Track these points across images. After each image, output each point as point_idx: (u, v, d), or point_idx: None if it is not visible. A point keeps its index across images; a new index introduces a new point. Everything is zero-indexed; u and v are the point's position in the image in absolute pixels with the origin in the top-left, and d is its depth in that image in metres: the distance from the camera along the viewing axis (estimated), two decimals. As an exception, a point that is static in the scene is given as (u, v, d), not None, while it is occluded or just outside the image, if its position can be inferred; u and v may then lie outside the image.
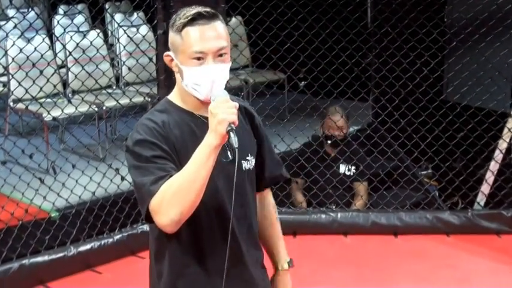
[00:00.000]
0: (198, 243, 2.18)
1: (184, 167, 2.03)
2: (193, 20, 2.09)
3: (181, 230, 2.09)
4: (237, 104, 2.05)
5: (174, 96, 2.23)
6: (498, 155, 5.18)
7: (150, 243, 2.29)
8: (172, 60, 2.16)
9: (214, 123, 1.99)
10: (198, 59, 2.09)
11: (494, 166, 5.17)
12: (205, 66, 2.09)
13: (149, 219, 2.09)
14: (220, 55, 2.11)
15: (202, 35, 2.09)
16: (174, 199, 2.00)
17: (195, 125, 2.17)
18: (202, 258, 2.18)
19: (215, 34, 2.10)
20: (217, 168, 2.05)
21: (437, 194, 5.60)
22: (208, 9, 2.12)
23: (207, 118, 2.05)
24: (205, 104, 2.13)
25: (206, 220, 2.15)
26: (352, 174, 5.32)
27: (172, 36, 2.14)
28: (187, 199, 2.01)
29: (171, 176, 2.04)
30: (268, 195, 2.46)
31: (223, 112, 1.99)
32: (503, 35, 5.06)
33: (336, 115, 5.23)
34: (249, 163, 2.25)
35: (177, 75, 2.18)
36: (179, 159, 2.10)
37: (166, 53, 2.18)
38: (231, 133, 1.99)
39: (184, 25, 2.10)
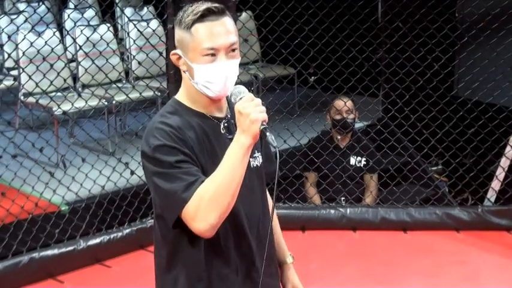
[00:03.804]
0: (216, 247, 2.13)
1: (217, 170, 1.99)
2: (202, 17, 2.05)
3: (193, 233, 2.05)
4: (260, 101, 2.01)
5: (182, 97, 2.17)
6: (509, 151, 5.16)
7: (156, 251, 2.23)
8: (179, 58, 2.12)
9: (247, 123, 1.95)
10: (211, 55, 2.06)
11: (504, 162, 5.15)
12: (218, 63, 2.06)
13: (176, 225, 2.05)
14: (233, 50, 2.08)
15: (213, 31, 2.05)
16: (212, 204, 1.98)
17: (207, 126, 2.12)
18: (219, 261, 2.15)
19: (225, 30, 2.06)
20: None
21: (447, 190, 5.58)
22: (216, 5, 2.08)
23: (217, 118, 2.03)
24: (215, 102, 2.11)
25: (222, 222, 2.09)
26: (362, 166, 5.31)
27: (180, 33, 2.09)
28: (225, 202, 1.98)
29: (202, 180, 2.00)
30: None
31: (255, 111, 1.95)
32: (515, 31, 5.04)
33: (341, 100, 5.24)
34: (257, 160, 2.22)
35: (185, 75, 2.13)
36: (198, 162, 2.07)
37: (173, 51, 2.14)
38: (266, 132, 1.96)
39: (194, 22, 2.06)
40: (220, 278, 2.15)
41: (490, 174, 5.21)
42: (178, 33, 2.10)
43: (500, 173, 5.18)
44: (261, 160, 2.24)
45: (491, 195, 5.15)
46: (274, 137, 1.99)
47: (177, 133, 2.06)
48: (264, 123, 1.96)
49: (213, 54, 2.06)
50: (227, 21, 2.08)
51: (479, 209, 5.02)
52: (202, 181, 2.01)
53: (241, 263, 2.15)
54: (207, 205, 1.98)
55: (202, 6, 2.07)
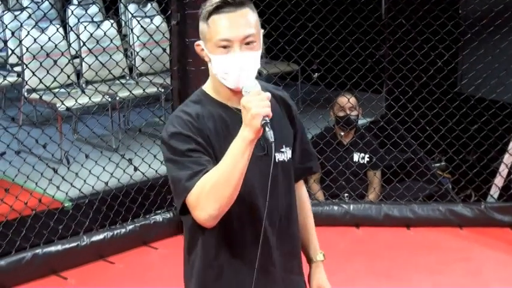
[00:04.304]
0: (229, 236, 2.16)
1: (220, 162, 2.02)
2: (219, 8, 2.07)
3: None
4: (269, 95, 2.01)
5: (207, 87, 2.21)
6: (512, 148, 5.15)
7: (184, 234, 2.28)
8: (202, 49, 2.15)
9: (248, 117, 1.96)
10: (224, 47, 2.07)
11: (508, 159, 5.14)
12: (232, 55, 2.07)
13: (183, 212, 2.09)
14: (248, 43, 2.08)
15: (228, 22, 2.06)
16: (212, 194, 2.00)
17: (228, 117, 2.14)
18: (232, 251, 2.17)
19: (241, 21, 2.07)
20: (251, 162, 2.03)
21: (450, 187, 5.58)
22: None
23: (239, 110, 2.03)
24: (236, 93, 2.11)
25: (237, 213, 2.12)
26: (365, 162, 5.31)
27: (201, 24, 2.12)
28: (225, 194, 2.00)
29: (206, 170, 2.03)
30: (301, 188, 2.43)
31: (257, 106, 1.96)
32: (519, 28, 5.03)
33: (344, 97, 5.25)
34: (284, 154, 2.22)
35: (210, 65, 2.16)
36: (214, 152, 2.10)
37: (197, 42, 2.17)
38: (266, 127, 1.97)
39: (210, 13, 2.08)
40: (232, 268, 2.18)
41: (493, 170, 5.21)
42: (200, 25, 2.13)
43: (503, 170, 5.18)
44: (289, 156, 2.24)
45: (494, 191, 5.15)
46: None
47: (194, 122, 2.11)
48: (267, 118, 1.97)
49: (227, 46, 2.07)
50: (245, 12, 2.08)
51: (482, 205, 5.02)
52: (208, 171, 2.03)
53: (257, 255, 2.13)
54: (207, 195, 2.01)
55: None
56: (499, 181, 5.18)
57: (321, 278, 2.43)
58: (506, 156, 5.17)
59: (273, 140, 1.97)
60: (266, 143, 2.09)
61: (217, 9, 2.07)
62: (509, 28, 5.02)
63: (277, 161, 2.18)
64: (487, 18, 5.00)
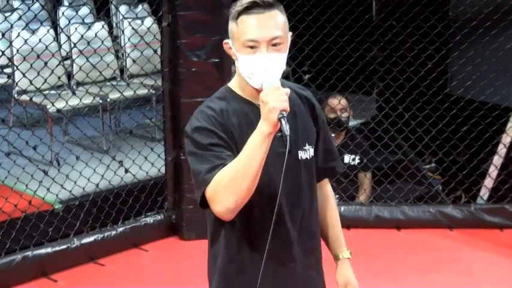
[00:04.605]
0: (250, 231, 2.19)
1: (238, 156, 2.06)
2: (248, 8, 2.11)
3: (235, 216, 2.11)
4: (288, 90, 2.05)
5: (233, 84, 2.25)
6: (501, 149, 5.18)
7: (207, 228, 2.31)
8: (230, 48, 2.18)
9: (266, 111, 2.00)
10: (251, 47, 2.11)
11: (497, 160, 5.17)
12: (258, 55, 2.10)
13: (203, 205, 2.13)
14: (274, 44, 2.11)
15: (256, 23, 2.10)
16: (228, 187, 2.04)
17: (252, 114, 2.17)
18: (253, 246, 2.20)
19: (269, 23, 2.11)
20: (272, 157, 2.07)
21: (440, 188, 5.60)
22: None
23: None
24: (260, 92, 2.14)
25: (258, 208, 2.16)
26: (356, 164, 5.32)
27: (230, 23, 2.16)
28: (242, 187, 2.03)
29: (226, 164, 2.07)
30: (326, 186, 2.46)
31: (274, 100, 1.99)
32: (508, 29, 5.05)
33: (335, 99, 5.26)
34: (307, 153, 2.25)
35: (237, 63, 2.19)
36: (236, 147, 2.13)
37: (225, 40, 2.20)
38: (282, 120, 2.00)
39: (240, 13, 2.12)
40: (253, 262, 2.20)
41: (483, 172, 5.23)
42: (229, 23, 2.17)
43: (493, 171, 5.20)
44: (311, 154, 2.27)
45: (484, 193, 5.17)
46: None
47: (218, 117, 2.15)
48: (284, 112, 2.00)
49: (253, 46, 2.10)
50: (274, 14, 2.12)
51: (472, 207, 5.04)
52: (227, 165, 2.07)
53: (278, 251, 2.18)
54: (224, 188, 2.04)
55: None
56: (488, 182, 5.20)
57: (348, 275, 2.46)
58: (496, 157, 5.19)
59: (289, 133, 2.00)
60: (287, 138, 2.11)
61: (246, 10, 2.11)
62: (498, 30, 5.04)
63: (299, 158, 2.22)
64: (477, 20, 5.02)
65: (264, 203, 2.16)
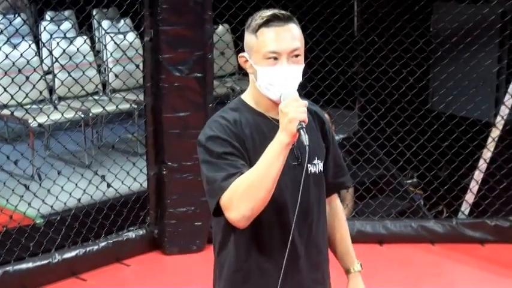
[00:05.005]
0: (258, 241, 2.22)
1: (255, 165, 2.09)
2: (268, 21, 2.16)
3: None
4: (306, 103, 2.10)
5: (247, 96, 2.29)
6: (482, 165, 5.21)
7: (214, 235, 2.32)
8: (246, 61, 2.23)
9: (285, 121, 2.03)
10: (273, 58, 2.15)
11: (478, 175, 5.20)
12: (280, 67, 2.15)
13: (216, 213, 2.15)
14: (295, 56, 2.17)
15: (277, 35, 2.16)
16: (245, 195, 2.06)
17: (265, 126, 2.22)
18: (260, 256, 2.23)
19: (289, 35, 2.17)
20: (284, 169, 2.09)
21: (422, 203, 5.62)
22: (283, 12, 2.19)
23: (277, 120, 2.10)
24: (277, 105, 2.16)
25: (267, 219, 2.18)
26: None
27: (248, 36, 2.21)
28: (258, 195, 2.06)
29: (242, 173, 2.10)
30: (335, 200, 2.49)
31: (294, 111, 2.04)
32: (488, 45, 5.10)
33: None
34: (316, 167, 2.29)
35: (251, 76, 2.24)
36: (249, 157, 2.16)
37: (241, 54, 2.25)
38: (301, 131, 2.04)
39: (260, 26, 2.17)
40: (260, 272, 2.23)
41: (464, 187, 5.26)
42: (246, 37, 2.23)
43: (474, 186, 5.23)
44: (321, 168, 2.30)
45: (465, 208, 5.19)
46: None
47: (232, 127, 2.19)
48: (303, 123, 2.04)
49: (275, 58, 2.16)
50: (292, 27, 2.19)
51: (453, 221, 5.07)
52: (243, 174, 2.10)
53: (285, 263, 2.18)
54: (241, 196, 2.07)
55: (269, 12, 2.19)
56: (469, 197, 5.23)
57: (362, 286, 2.48)
58: (477, 172, 5.22)
59: (308, 143, 2.04)
60: (300, 151, 2.18)
61: (266, 23, 2.17)
62: (478, 46, 5.09)
63: (309, 172, 2.25)
64: (457, 36, 5.07)
65: (273, 214, 2.19)
